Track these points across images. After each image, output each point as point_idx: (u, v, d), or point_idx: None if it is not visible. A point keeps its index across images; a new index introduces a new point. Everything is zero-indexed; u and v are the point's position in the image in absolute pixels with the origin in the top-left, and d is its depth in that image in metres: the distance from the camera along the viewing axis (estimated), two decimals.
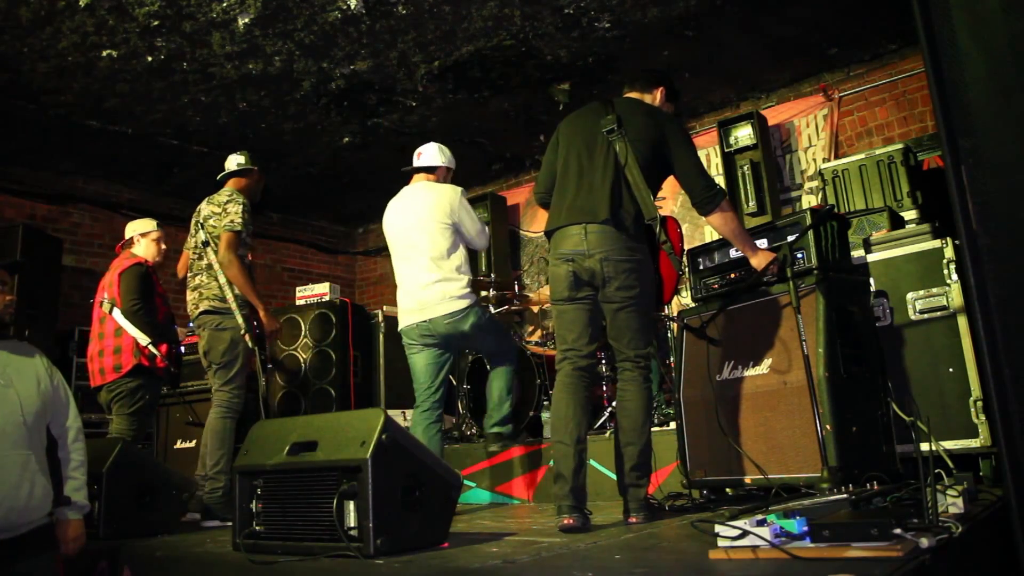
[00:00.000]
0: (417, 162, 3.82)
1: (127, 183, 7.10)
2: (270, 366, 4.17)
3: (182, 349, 4.86)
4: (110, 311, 4.07)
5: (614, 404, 4.40)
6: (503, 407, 3.84)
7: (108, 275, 4.20)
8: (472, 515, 3.52)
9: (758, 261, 2.85)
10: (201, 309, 3.92)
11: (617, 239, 2.66)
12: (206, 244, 3.97)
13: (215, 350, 3.88)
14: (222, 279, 3.89)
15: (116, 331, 4.04)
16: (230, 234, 3.89)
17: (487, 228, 3.84)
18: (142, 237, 4.32)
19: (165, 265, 4.59)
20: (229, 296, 3.87)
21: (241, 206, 3.96)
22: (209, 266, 3.95)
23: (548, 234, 2.83)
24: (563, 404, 2.70)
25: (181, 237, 7.29)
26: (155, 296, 4.19)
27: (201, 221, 4.04)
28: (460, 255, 3.62)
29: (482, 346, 3.82)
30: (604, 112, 2.81)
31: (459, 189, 3.69)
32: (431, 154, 3.83)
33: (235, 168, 4.17)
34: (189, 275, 4.08)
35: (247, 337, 3.89)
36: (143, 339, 3.99)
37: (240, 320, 3.87)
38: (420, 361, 3.62)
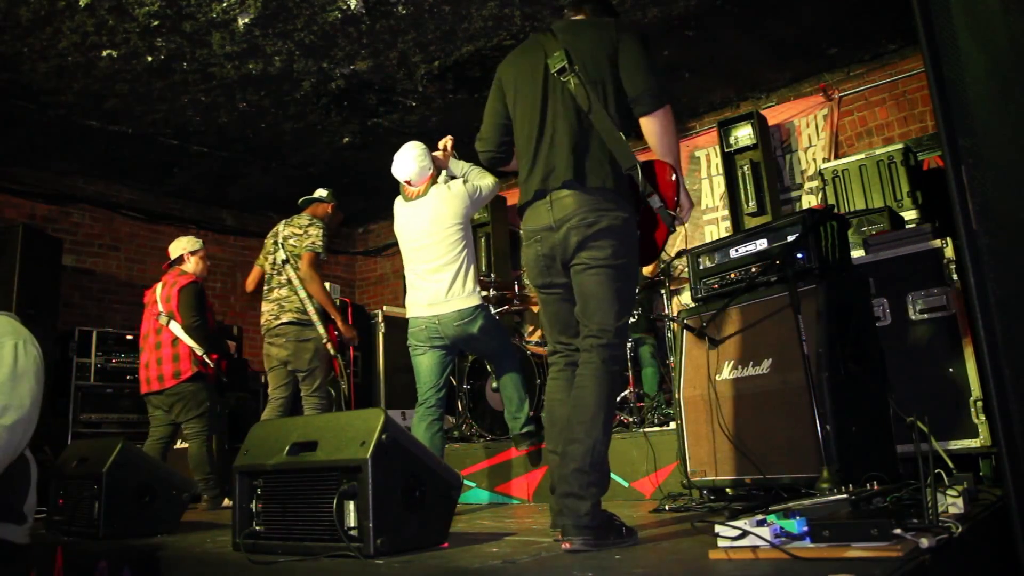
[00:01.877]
0: (406, 172, 3.66)
1: (127, 183, 7.10)
2: (350, 370, 4.60)
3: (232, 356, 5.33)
4: (167, 323, 4.51)
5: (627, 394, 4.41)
6: (524, 407, 3.87)
7: (164, 290, 4.63)
8: (472, 515, 3.52)
9: (685, 199, 2.49)
10: (283, 320, 4.31)
11: (586, 202, 2.23)
12: (286, 262, 4.39)
13: (301, 359, 4.31)
14: (302, 293, 4.31)
15: (173, 341, 4.49)
16: (312, 254, 4.33)
17: (489, 178, 3.74)
18: (191, 255, 4.77)
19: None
20: (310, 309, 4.30)
21: (321, 230, 4.43)
22: (289, 281, 4.36)
23: (520, 211, 2.42)
24: (557, 405, 2.38)
25: (180, 237, 7.36)
26: (207, 310, 4.67)
27: (280, 241, 4.46)
28: (469, 254, 3.63)
29: (487, 348, 3.82)
30: (550, 47, 2.36)
31: (457, 181, 3.67)
32: (417, 160, 3.67)
33: (316, 197, 4.69)
34: (265, 288, 4.49)
35: (328, 345, 4.33)
36: (199, 348, 4.47)
37: (321, 330, 4.31)
38: (425, 362, 3.63)
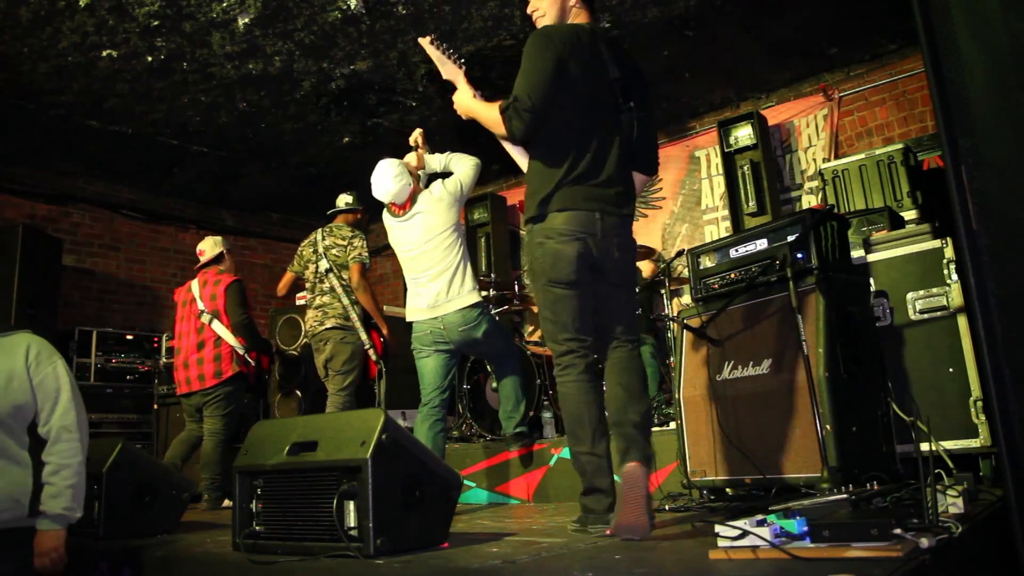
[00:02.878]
0: (388, 194, 3.60)
1: (127, 183, 7.10)
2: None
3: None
4: (210, 322, 4.56)
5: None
6: (520, 408, 3.91)
7: (206, 288, 4.67)
8: (472, 515, 3.52)
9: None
10: (327, 325, 4.41)
11: (630, 228, 2.52)
12: (328, 271, 4.49)
13: (338, 359, 4.39)
14: (345, 300, 4.43)
15: (216, 340, 4.56)
16: (360, 265, 4.44)
17: (469, 162, 3.82)
18: (227, 254, 4.89)
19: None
20: (353, 316, 4.43)
21: (364, 240, 4.54)
22: (332, 289, 4.46)
23: (544, 201, 2.39)
24: (586, 407, 2.37)
25: (181, 237, 7.38)
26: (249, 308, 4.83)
27: (322, 251, 4.54)
28: (464, 252, 3.64)
29: (491, 351, 3.83)
30: (607, 56, 2.46)
31: (440, 184, 3.64)
32: (396, 180, 3.60)
33: (344, 207, 4.76)
34: (308, 296, 4.61)
35: (371, 351, 4.48)
36: (240, 347, 4.57)
37: (364, 336, 4.43)
38: (429, 364, 3.63)
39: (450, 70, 2.65)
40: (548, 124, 2.38)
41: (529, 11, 2.59)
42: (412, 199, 3.63)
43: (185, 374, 4.60)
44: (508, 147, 2.62)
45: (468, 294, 3.55)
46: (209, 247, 4.86)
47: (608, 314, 2.50)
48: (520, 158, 2.62)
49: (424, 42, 2.68)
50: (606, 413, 2.44)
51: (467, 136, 6.48)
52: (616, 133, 2.45)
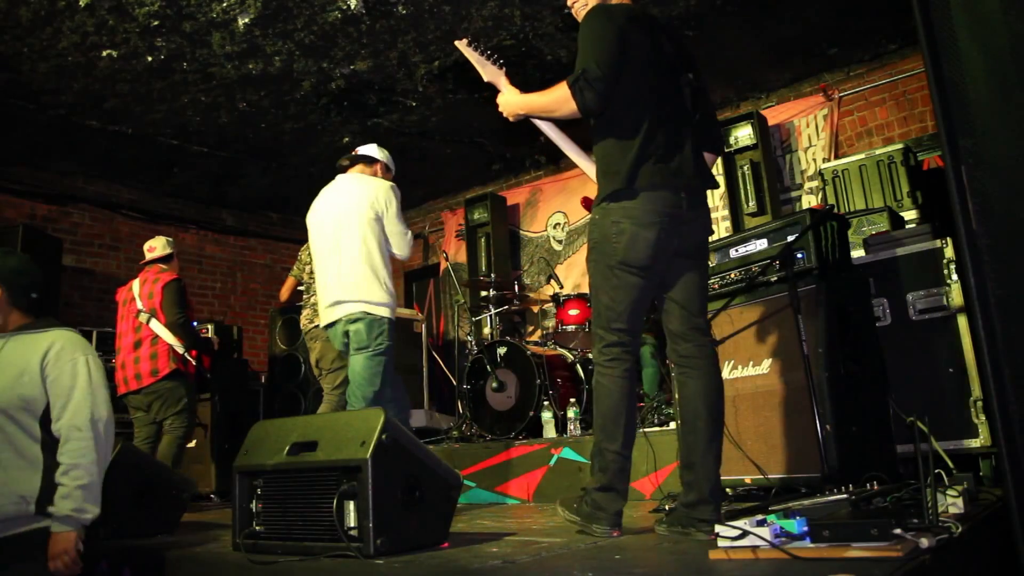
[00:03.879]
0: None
1: (127, 183, 7.10)
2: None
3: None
4: (147, 321, 4.50)
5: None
6: None
7: (144, 287, 4.61)
8: (472, 515, 3.52)
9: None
10: (315, 324, 4.35)
11: (707, 209, 2.42)
12: None
13: (327, 357, 4.39)
14: None
15: (153, 339, 4.50)
16: None
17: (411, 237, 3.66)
18: (176, 258, 4.88)
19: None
20: None
21: None
22: None
23: (629, 178, 2.26)
24: (624, 405, 2.27)
25: (181, 237, 7.38)
26: (189, 308, 4.75)
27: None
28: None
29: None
30: (665, 37, 2.40)
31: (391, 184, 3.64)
32: (369, 148, 3.84)
33: None
34: (305, 296, 4.64)
35: None
36: (179, 346, 4.52)
37: None
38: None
39: (491, 72, 2.57)
40: (617, 100, 2.28)
41: (569, 3, 2.48)
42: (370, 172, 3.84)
43: (123, 374, 4.53)
44: (555, 137, 2.59)
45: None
46: (160, 245, 4.81)
47: (688, 299, 2.38)
48: (567, 146, 2.58)
49: (461, 45, 2.60)
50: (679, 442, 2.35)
51: (466, 137, 6.49)
52: (683, 108, 2.36)
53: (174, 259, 4.85)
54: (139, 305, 4.56)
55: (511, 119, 2.51)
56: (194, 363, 4.61)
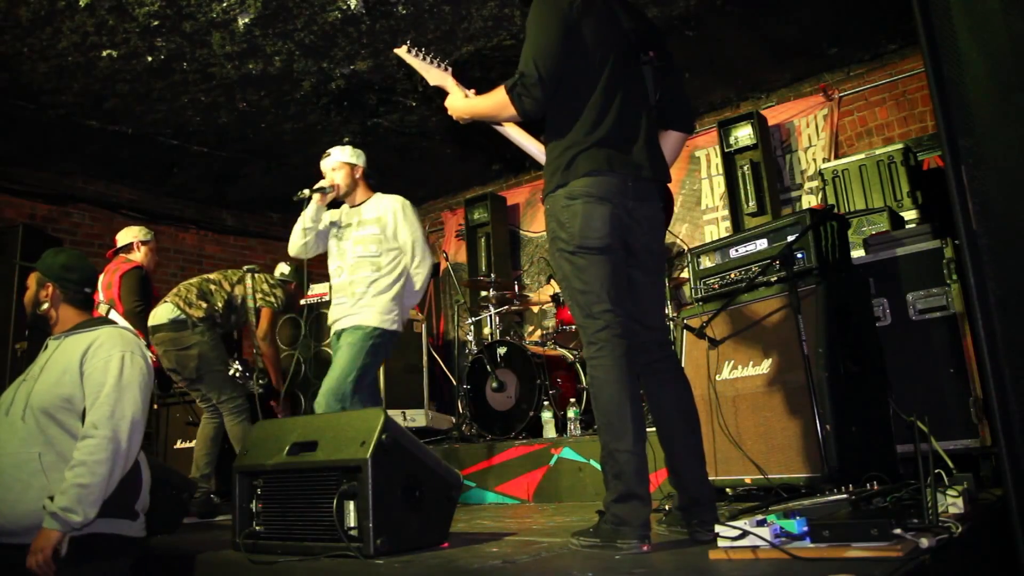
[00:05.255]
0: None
1: (127, 183, 7.10)
2: None
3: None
4: (107, 312, 4.26)
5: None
6: None
7: (105, 277, 4.42)
8: (472, 515, 3.52)
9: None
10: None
11: (657, 199, 2.26)
12: None
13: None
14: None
15: None
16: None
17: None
18: (142, 244, 4.63)
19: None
20: None
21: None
22: None
23: (566, 168, 2.16)
24: (626, 394, 2.03)
25: (181, 237, 7.38)
26: (152, 299, 4.47)
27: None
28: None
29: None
30: (624, 18, 2.28)
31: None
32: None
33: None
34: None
35: None
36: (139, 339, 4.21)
37: None
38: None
39: (435, 75, 2.50)
40: (563, 88, 2.15)
41: None
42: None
43: None
44: (515, 135, 2.49)
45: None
46: (123, 236, 4.67)
47: (643, 311, 2.23)
48: (528, 145, 2.49)
49: (400, 52, 2.54)
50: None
51: (466, 137, 6.49)
52: (639, 89, 2.23)
53: (135, 248, 4.62)
54: (101, 297, 4.41)
55: (460, 122, 2.43)
56: (155, 358, 4.28)
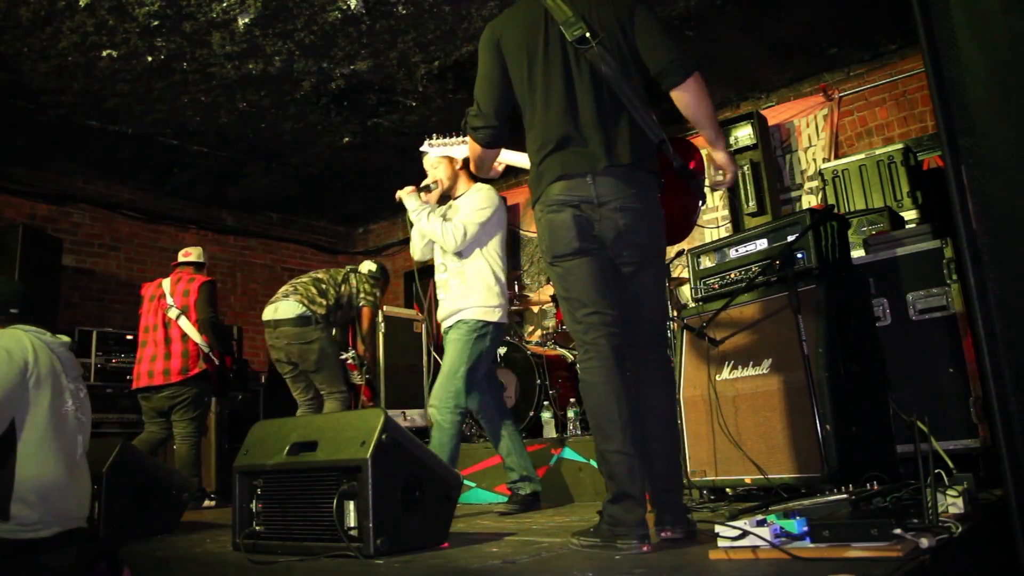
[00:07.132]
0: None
1: (127, 183, 7.10)
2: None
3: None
4: (177, 317, 4.64)
5: None
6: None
7: (179, 284, 4.75)
8: (472, 515, 3.52)
9: (723, 158, 2.31)
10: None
11: (626, 185, 2.15)
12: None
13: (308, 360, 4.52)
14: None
15: (183, 336, 4.65)
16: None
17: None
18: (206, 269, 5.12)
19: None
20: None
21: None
22: None
23: (537, 180, 2.23)
24: (615, 396, 2.04)
25: (181, 237, 7.37)
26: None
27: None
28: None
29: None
30: (557, 12, 2.23)
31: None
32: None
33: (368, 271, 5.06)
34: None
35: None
36: (204, 344, 4.65)
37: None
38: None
39: (459, 148, 2.81)
40: (521, 108, 2.26)
41: None
42: None
43: (149, 367, 4.61)
44: (503, 158, 2.65)
45: None
46: (197, 253, 5.07)
47: (629, 304, 2.20)
48: (519, 160, 2.61)
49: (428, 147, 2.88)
50: None
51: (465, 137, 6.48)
52: (587, 80, 2.18)
53: (205, 268, 5.06)
54: (170, 301, 4.70)
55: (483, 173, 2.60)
56: (217, 362, 4.73)
